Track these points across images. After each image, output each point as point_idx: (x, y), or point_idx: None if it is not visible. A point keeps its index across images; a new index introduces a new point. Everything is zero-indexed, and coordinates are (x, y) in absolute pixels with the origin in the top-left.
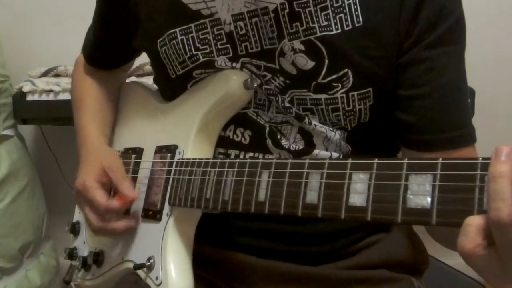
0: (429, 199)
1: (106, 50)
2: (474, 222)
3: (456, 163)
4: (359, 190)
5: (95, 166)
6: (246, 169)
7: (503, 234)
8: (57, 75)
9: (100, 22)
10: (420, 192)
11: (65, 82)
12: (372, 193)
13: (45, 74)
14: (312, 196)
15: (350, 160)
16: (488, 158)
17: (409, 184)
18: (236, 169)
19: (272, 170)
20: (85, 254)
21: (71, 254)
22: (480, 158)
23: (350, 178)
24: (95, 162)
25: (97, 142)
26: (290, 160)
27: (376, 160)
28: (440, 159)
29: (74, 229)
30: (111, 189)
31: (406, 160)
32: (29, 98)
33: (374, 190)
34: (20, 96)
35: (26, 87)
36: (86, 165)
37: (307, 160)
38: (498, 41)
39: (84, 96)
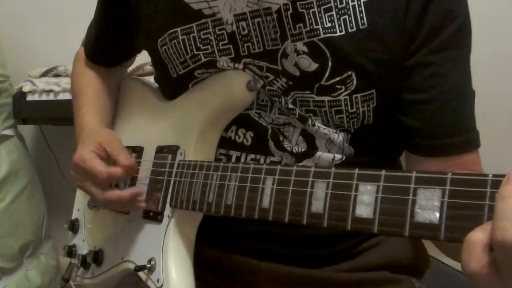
0: (437, 214)
1: (106, 48)
2: (477, 240)
3: (466, 178)
4: (366, 201)
5: (92, 143)
6: (250, 175)
7: (507, 254)
8: (57, 75)
9: (101, 20)
10: (429, 207)
11: (65, 82)
12: (379, 205)
13: (45, 74)
14: (317, 205)
15: (357, 171)
16: (499, 175)
17: (417, 199)
18: (239, 174)
19: (277, 177)
20: (85, 252)
21: (70, 251)
22: (490, 175)
23: (356, 190)
24: (92, 140)
25: (96, 126)
26: (295, 168)
27: (383, 172)
28: (450, 174)
29: (73, 227)
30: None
31: (414, 174)
32: (29, 98)
33: (381, 203)
34: (20, 96)
35: (26, 87)
36: (83, 143)
37: (313, 169)
38: (498, 41)
39: (84, 88)
